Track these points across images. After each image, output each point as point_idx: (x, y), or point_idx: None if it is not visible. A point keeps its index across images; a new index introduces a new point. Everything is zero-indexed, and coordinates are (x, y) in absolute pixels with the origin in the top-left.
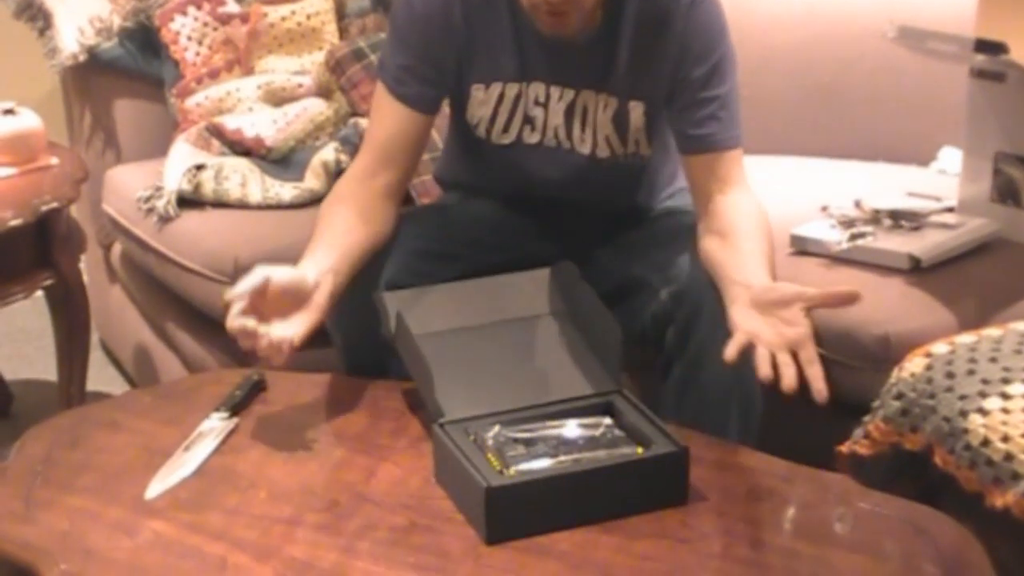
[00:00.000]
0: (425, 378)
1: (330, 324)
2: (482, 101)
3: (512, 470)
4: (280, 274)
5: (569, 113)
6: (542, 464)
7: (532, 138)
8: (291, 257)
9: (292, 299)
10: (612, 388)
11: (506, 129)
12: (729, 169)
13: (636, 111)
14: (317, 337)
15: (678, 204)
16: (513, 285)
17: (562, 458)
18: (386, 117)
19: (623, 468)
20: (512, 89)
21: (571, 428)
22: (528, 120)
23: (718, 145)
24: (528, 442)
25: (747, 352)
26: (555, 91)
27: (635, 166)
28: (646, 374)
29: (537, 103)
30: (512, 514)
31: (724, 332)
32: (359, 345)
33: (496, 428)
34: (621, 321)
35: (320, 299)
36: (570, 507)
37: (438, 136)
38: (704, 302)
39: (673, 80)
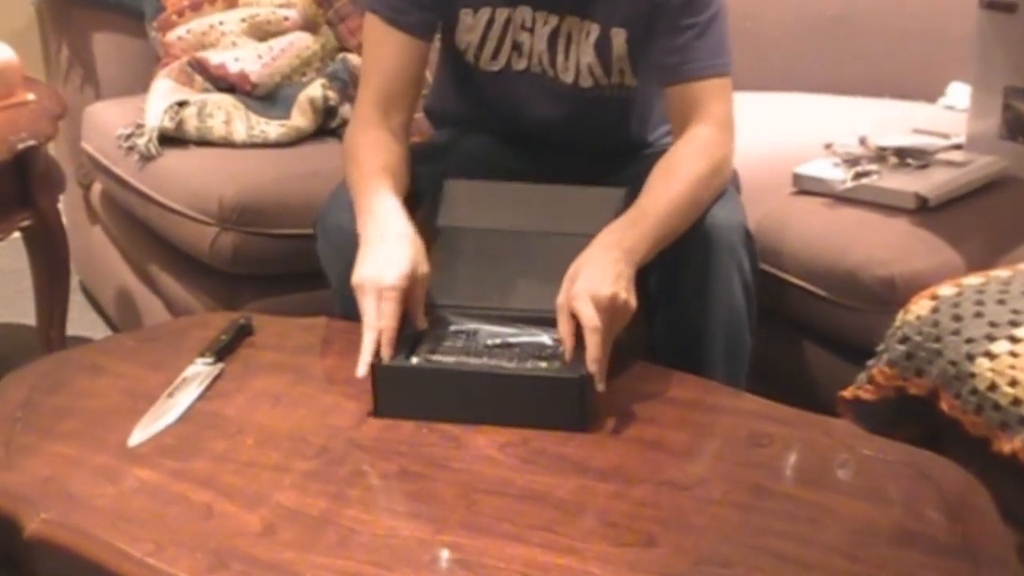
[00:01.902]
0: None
1: (325, 265)
2: (471, 26)
3: (417, 358)
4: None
5: (553, 39)
6: (447, 359)
7: (519, 64)
8: (277, 196)
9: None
10: None
11: (495, 55)
12: (701, 102)
13: (618, 38)
14: (306, 279)
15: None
16: (580, 199)
17: (485, 360)
18: (387, 49)
19: (506, 380)
20: (502, 14)
21: (543, 338)
22: (516, 46)
23: (690, 75)
24: (470, 336)
25: (731, 296)
26: (540, 16)
27: (621, 98)
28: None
29: (524, 28)
30: (395, 395)
31: (708, 277)
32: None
33: (452, 320)
34: None
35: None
36: (454, 402)
37: (428, 71)
38: (688, 248)
39: (652, 6)
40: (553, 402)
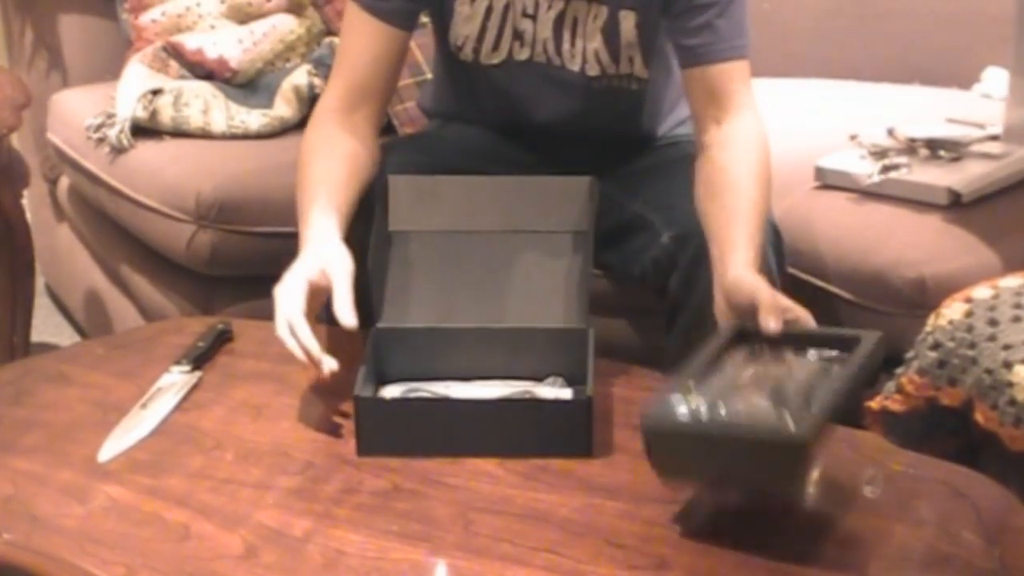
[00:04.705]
0: (380, 279)
1: None
2: (468, 17)
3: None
4: (314, 276)
5: (559, 24)
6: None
7: (522, 54)
8: (259, 191)
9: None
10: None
11: (496, 47)
12: (726, 85)
13: (627, 21)
14: None
15: (687, 132)
16: (542, 192)
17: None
18: (362, 38)
19: (507, 406)
20: (500, 1)
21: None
22: (517, 35)
23: (713, 56)
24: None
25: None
26: (544, 0)
27: (631, 90)
28: (648, 321)
29: (525, 14)
30: (380, 430)
31: None
32: None
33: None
34: (621, 263)
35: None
36: (448, 434)
37: (423, 59)
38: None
39: None
40: (556, 427)
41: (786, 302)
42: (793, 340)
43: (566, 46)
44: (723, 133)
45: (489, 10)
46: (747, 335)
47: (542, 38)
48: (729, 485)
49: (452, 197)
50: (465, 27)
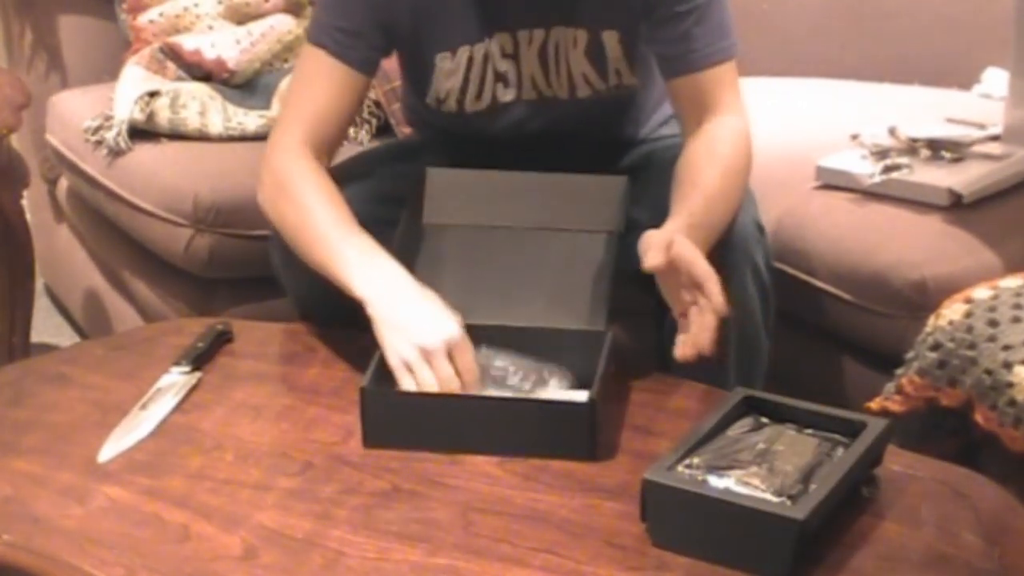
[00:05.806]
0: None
1: (283, 275)
2: (451, 71)
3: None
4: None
5: (543, 56)
6: None
7: (507, 95)
8: (256, 194)
9: None
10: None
11: (479, 95)
12: (711, 91)
13: (611, 40)
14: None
15: (670, 132)
16: (577, 189)
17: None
18: (329, 84)
19: (510, 406)
20: (480, 50)
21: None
22: (500, 77)
23: (694, 65)
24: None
25: (745, 296)
26: (523, 35)
27: (621, 97)
28: (646, 322)
29: (505, 55)
30: (386, 423)
31: (720, 277)
32: (309, 295)
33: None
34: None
35: None
36: (451, 430)
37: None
38: None
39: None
40: (560, 429)
41: (687, 250)
42: (797, 417)
43: (552, 77)
44: (702, 132)
45: (470, 60)
46: (754, 405)
47: (528, 74)
48: (720, 557)
49: (487, 192)
50: (448, 81)
